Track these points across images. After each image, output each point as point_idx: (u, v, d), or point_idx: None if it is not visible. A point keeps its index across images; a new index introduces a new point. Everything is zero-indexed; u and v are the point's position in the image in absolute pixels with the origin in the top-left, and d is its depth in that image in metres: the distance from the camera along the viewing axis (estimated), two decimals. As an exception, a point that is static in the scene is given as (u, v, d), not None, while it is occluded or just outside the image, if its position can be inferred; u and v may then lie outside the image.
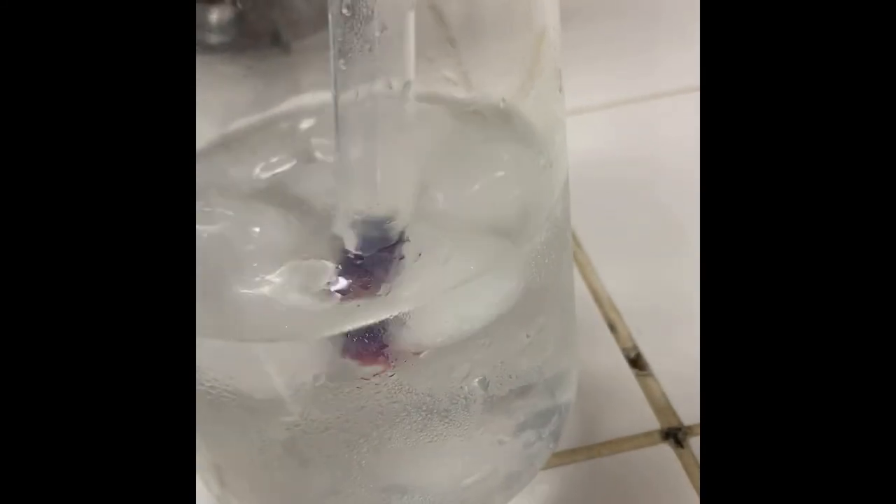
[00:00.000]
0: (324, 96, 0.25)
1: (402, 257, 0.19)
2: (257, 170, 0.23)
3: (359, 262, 0.19)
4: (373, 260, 0.19)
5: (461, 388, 0.21)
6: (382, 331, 0.19)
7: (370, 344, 0.19)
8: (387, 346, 0.19)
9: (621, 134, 0.41)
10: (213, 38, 0.22)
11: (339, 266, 0.19)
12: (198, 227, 0.19)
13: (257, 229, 0.21)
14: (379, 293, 0.19)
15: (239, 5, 0.22)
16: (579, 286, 0.32)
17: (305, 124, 0.24)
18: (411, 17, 0.18)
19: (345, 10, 0.17)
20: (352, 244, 0.19)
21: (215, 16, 0.22)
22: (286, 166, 0.23)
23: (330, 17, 0.17)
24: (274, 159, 0.24)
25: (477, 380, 0.21)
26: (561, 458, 0.26)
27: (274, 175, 0.23)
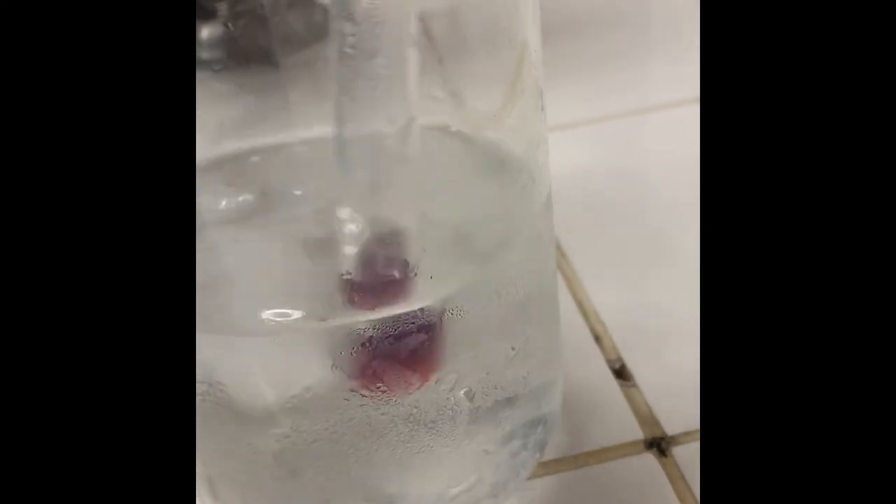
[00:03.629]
0: (315, 120, 0.26)
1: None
2: (248, 191, 0.24)
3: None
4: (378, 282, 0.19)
5: (447, 399, 0.21)
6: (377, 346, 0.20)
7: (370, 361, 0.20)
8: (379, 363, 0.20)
9: (608, 148, 0.42)
10: (204, 55, 0.22)
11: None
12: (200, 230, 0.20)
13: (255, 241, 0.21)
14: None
15: (229, 23, 0.23)
16: (565, 298, 0.32)
17: (298, 149, 0.25)
18: (413, 54, 0.18)
19: (349, 49, 0.17)
20: (356, 272, 0.19)
21: (205, 33, 0.23)
22: (278, 187, 0.24)
23: (332, 54, 0.17)
24: (265, 180, 0.24)
25: (463, 391, 0.21)
26: (547, 467, 0.27)
27: (265, 196, 0.23)
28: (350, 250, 0.19)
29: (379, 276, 0.19)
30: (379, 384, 0.20)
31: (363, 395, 0.20)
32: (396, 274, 0.19)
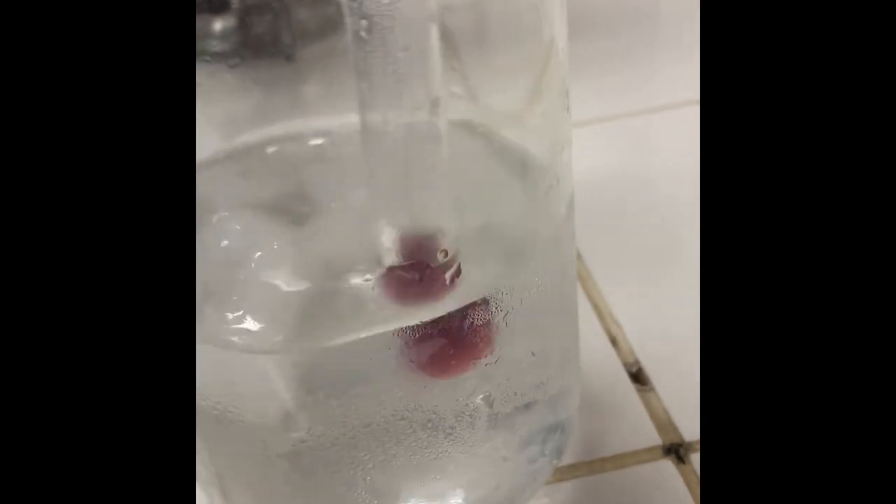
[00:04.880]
0: (329, 112, 0.25)
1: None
2: (265, 182, 0.23)
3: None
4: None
5: (467, 405, 0.21)
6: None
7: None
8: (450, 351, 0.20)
9: (622, 148, 0.41)
10: (218, 48, 0.22)
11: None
12: (213, 237, 0.19)
13: (272, 239, 0.21)
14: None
15: (243, 15, 0.22)
16: (581, 300, 0.32)
17: (314, 140, 0.24)
18: (434, 31, 0.17)
19: (363, 34, 0.16)
20: (393, 260, 0.19)
21: (219, 25, 0.22)
22: (294, 180, 0.23)
23: (349, 39, 0.17)
24: (280, 174, 0.24)
25: (481, 397, 0.21)
26: (563, 473, 0.26)
27: (282, 189, 0.23)
28: (387, 243, 0.19)
29: (418, 265, 0.19)
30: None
31: (381, 400, 0.20)
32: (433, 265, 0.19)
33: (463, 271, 0.19)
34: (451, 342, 0.20)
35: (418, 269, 0.19)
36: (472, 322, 0.20)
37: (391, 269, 0.19)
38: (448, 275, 0.19)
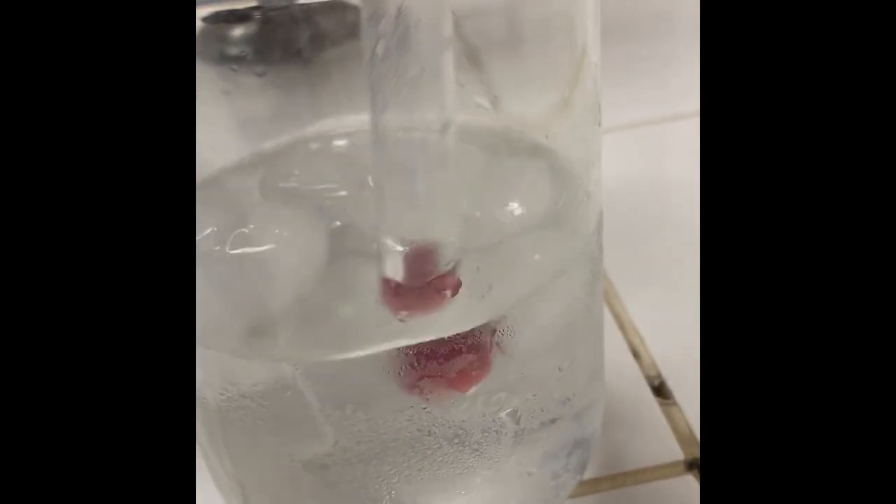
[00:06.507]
0: (354, 116, 0.25)
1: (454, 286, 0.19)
2: (291, 188, 0.23)
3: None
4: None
5: (493, 421, 0.21)
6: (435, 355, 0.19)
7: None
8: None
9: (641, 157, 0.41)
10: (240, 54, 0.22)
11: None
12: (237, 245, 0.19)
13: (298, 245, 0.21)
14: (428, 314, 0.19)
15: (267, 24, 0.22)
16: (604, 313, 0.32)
17: (339, 143, 0.24)
18: (449, 57, 0.17)
19: (379, 51, 0.16)
20: (397, 274, 0.18)
21: (246, 34, 0.22)
22: (319, 186, 0.23)
23: (365, 56, 0.17)
24: (307, 178, 0.24)
25: (508, 412, 0.21)
26: (585, 487, 0.26)
27: (308, 193, 0.23)
28: (392, 250, 0.18)
29: (420, 278, 0.18)
30: (426, 400, 0.20)
31: (409, 416, 0.20)
32: (438, 279, 0.18)
33: (488, 287, 0.19)
34: (480, 357, 0.20)
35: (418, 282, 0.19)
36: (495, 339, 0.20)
37: (389, 280, 0.19)
38: (447, 288, 0.19)
